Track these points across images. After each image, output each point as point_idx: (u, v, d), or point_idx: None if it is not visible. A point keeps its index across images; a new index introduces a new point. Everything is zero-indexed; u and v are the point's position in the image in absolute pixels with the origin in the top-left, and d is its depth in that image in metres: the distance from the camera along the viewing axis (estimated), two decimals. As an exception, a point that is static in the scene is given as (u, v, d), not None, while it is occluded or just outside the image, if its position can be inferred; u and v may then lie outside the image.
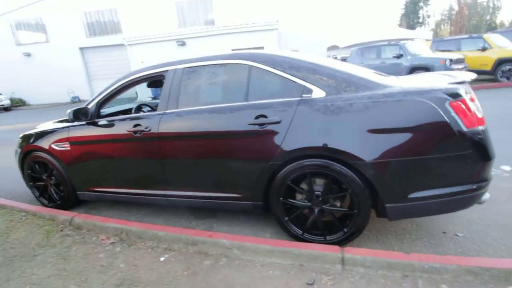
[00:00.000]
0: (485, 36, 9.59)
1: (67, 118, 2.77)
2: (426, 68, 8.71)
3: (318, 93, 1.85)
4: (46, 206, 2.99)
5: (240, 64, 2.11)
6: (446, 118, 1.60)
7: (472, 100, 1.68)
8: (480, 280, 1.54)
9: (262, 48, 13.88)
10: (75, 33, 18.23)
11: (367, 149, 1.67)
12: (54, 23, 18.31)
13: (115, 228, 2.34)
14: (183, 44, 14.96)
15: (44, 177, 2.94)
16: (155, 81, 2.84)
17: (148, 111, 3.23)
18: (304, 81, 1.90)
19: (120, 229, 2.32)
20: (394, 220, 1.85)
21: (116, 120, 2.49)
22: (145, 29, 16.50)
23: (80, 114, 2.54)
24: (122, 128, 2.39)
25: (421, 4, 50.57)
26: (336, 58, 16.60)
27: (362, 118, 1.69)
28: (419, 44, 10.14)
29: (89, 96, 19.10)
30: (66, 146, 2.67)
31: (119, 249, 2.17)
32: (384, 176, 1.68)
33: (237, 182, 2.09)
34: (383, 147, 1.66)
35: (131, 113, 3.11)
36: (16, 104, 18.88)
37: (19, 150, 3.03)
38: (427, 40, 16.18)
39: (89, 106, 2.58)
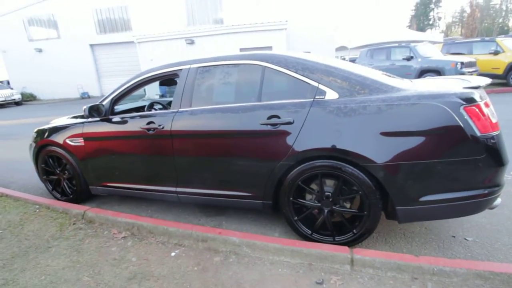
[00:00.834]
0: (498, 39, 9.45)
1: (80, 114, 2.84)
2: (437, 71, 8.62)
3: (331, 95, 1.87)
4: (59, 199, 3.07)
5: (254, 64, 2.13)
6: (460, 122, 1.60)
7: (487, 105, 1.68)
8: (490, 285, 1.54)
9: (270, 48, 13.90)
10: (86, 30, 18.48)
11: (380, 152, 1.68)
12: (66, 19, 18.59)
13: (126, 223, 2.39)
14: (192, 42, 15.06)
15: (58, 171, 3.01)
16: (167, 80, 2.89)
17: (160, 109, 3.29)
18: (318, 82, 1.91)
19: (131, 224, 2.37)
20: (404, 223, 1.86)
21: (130, 117, 2.54)
22: (154, 26, 16.66)
23: (94, 111, 2.59)
24: (136, 125, 2.44)
25: (432, 6, 49.91)
26: (344, 59, 16.52)
27: (375, 120, 1.70)
28: (430, 46, 10.03)
29: (98, 92, 19.37)
30: (80, 142, 2.73)
31: (130, 243, 2.22)
32: (395, 179, 1.69)
33: (247, 181, 2.12)
34: (396, 150, 1.67)
35: (143, 111, 3.17)
36: (27, 98, 19.23)
37: (33, 144, 3.10)
38: (438, 42, 15.98)
39: (104, 103, 2.63)
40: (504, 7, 47.36)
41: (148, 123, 2.37)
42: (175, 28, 16.13)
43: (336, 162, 1.80)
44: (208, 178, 2.27)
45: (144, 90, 9.39)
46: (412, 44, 9.82)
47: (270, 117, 1.95)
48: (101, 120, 2.65)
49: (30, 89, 19.97)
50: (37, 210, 2.89)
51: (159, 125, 2.31)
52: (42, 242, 2.33)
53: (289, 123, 1.89)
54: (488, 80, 1.88)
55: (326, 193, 1.90)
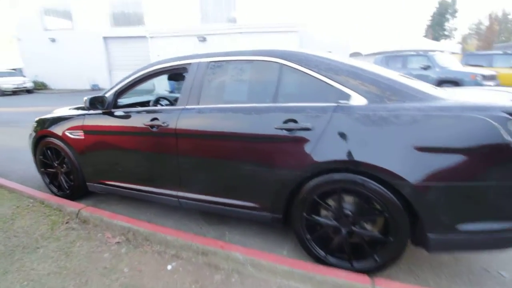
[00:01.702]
0: (522, 53, 9.07)
1: (83, 105, 2.67)
2: (455, 82, 8.28)
3: (357, 100, 1.65)
4: (55, 194, 2.90)
5: (271, 61, 1.92)
6: (509, 139, 1.36)
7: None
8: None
9: (283, 49, 13.66)
10: (100, 22, 18.52)
11: (413, 169, 1.45)
12: (80, 10, 18.67)
13: (122, 227, 2.20)
14: (203, 40, 14.96)
15: (56, 164, 2.85)
16: (176, 74, 2.70)
17: (166, 105, 3.10)
18: (342, 85, 1.69)
19: (127, 228, 2.18)
20: (434, 252, 1.62)
21: (133, 111, 2.36)
22: (167, 22, 16.60)
23: (96, 103, 2.42)
24: (139, 120, 2.25)
25: (448, 16, 48.99)
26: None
27: (409, 132, 1.48)
28: (448, 56, 9.69)
29: (109, 85, 19.38)
30: (79, 135, 2.56)
31: (124, 250, 2.02)
32: (430, 201, 1.45)
33: (257, 190, 1.91)
34: (432, 168, 1.43)
35: (148, 106, 2.99)
36: (38, 87, 19.36)
37: (33, 134, 2.95)
38: (455, 53, 15.57)
39: (107, 95, 2.46)
40: (522, 21, 46.13)
41: (152, 120, 2.18)
42: (188, 24, 16.04)
43: (360, 177, 1.57)
44: (213, 183, 2.06)
45: (154, 85, 9.28)
46: (430, 53, 9.49)
47: (286, 121, 1.74)
48: (103, 113, 2.47)
49: (42, 78, 20.10)
50: (31, 205, 2.73)
51: (163, 123, 2.12)
52: (31, 241, 2.16)
53: (307, 129, 1.68)
54: None
55: (345, 211, 1.67)
